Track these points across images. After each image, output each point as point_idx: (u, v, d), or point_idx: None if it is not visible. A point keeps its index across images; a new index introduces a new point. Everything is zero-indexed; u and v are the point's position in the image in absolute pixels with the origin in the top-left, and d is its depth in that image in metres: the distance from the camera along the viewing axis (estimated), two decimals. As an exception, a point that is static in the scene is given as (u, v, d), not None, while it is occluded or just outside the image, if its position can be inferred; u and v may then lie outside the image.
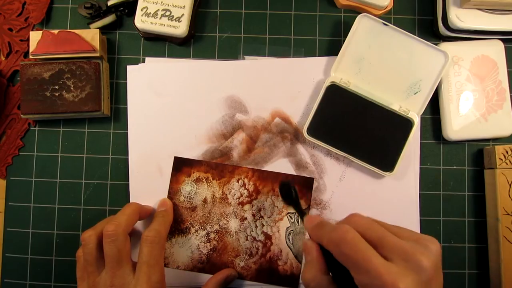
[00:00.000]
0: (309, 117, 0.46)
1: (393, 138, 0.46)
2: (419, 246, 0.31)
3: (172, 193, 0.47)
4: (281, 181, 0.45)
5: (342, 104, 0.47)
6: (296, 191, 0.43)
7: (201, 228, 0.47)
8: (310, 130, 0.46)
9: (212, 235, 0.47)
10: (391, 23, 0.47)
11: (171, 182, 0.47)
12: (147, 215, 0.46)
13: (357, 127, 0.46)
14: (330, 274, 0.35)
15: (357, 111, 0.46)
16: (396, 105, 0.46)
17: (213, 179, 0.48)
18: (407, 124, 0.46)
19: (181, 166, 0.48)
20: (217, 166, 0.48)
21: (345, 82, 0.47)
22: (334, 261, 0.33)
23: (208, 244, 0.47)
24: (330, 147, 0.46)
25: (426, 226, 0.48)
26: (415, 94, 0.47)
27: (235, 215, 0.47)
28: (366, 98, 0.47)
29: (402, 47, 0.46)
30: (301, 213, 0.42)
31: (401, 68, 0.47)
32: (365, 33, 0.47)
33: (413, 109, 0.47)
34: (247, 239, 0.47)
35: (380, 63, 0.47)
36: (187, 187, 0.47)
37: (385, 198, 0.47)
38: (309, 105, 0.48)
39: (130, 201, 0.47)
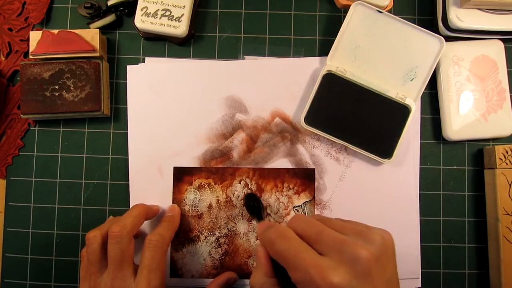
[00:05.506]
0: (306, 106, 0.46)
1: (391, 125, 0.46)
2: (358, 238, 0.30)
3: (176, 203, 0.47)
4: (247, 193, 0.47)
5: (339, 92, 0.47)
6: (260, 203, 0.46)
7: (210, 234, 0.47)
8: (308, 119, 0.46)
9: (222, 240, 0.47)
10: (391, 23, 0.47)
11: (173, 192, 0.47)
12: (154, 215, 0.46)
13: (355, 115, 0.46)
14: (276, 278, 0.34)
15: (354, 99, 0.46)
16: (392, 92, 0.46)
17: (215, 184, 0.48)
18: (404, 111, 0.46)
19: (181, 175, 0.48)
20: (217, 170, 0.48)
21: (341, 71, 0.47)
22: (279, 264, 0.33)
23: (219, 249, 0.47)
24: (328, 135, 0.46)
25: (426, 226, 0.48)
26: (411, 80, 0.47)
27: (242, 217, 0.47)
28: (363, 86, 0.47)
29: (397, 34, 0.46)
30: (260, 220, 0.44)
31: (396, 55, 0.47)
32: (359, 21, 0.47)
33: (410, 95, 0.47)
34: (257, 239, 0.47)
35: (376, 50, 0.47)
36: (190, 195, 0.47)
37: (385, 198, 0.47)
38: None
39: (130, 201, 0.48)
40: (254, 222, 0.47)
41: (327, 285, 0.28)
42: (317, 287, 0.28)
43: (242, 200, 0.47)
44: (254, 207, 0.45)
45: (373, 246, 0.30)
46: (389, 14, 0.46)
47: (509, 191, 0.45)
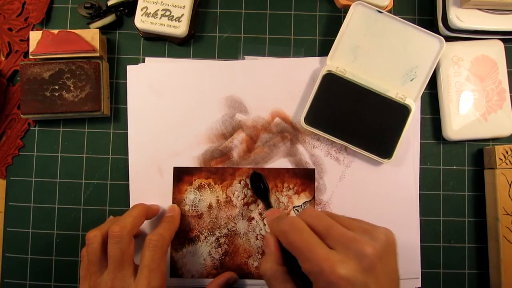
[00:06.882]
0: (306, 106, 0.46)
1: (391, 125, 0.46)
2: (364, 235, 0.33)
3: (176, 203, 0.47)
4: (252, 171, 0.47)
5: (339, 92, 0.47)
6: (266, 183, 0.45)
7: (210, 234, 0.47)
8: (308, 119, 0.46)
9: (222, 240, 0.47)
10: (391, 23, 0.47)
11: (173, 192, 0.47)
12: (154, 215, 0.46)
13: (354, 115, 0.46)
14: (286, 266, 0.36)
15: (354, 99, 0.47)
16: (392, 92, 0.46)
17: (215, 184, 0.48)
18: (404, 111, 0.46)
19: (181, 175, 0.48)
20: (217, 170, 0.48)
21: (341, 71, 0.47)
22: (288, 253, 0.34)
23: (219, 249, 0.47)
24: (328, 135, 0.46)
25: (426, 226, 0.48)
26: (411, 80, 0.47)
27: (242, 216, 0.47)
28: (363, 86, 0.47)
29: (397, 34, 0.46)
30: (268, 206, 0.44)
31: (396, 55, 0.47)
32: (359, 21, 0.47)
33: (410, 95, 0.47)
34: (257, 239, 0.47)
35: (376, 50, 0.47)
36: (190, 195, 0.47)
37: (385, 198, 0.47)
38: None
39: (131, 201, 0.48)
40: (254, 222, 0.47)
41: (336, 277, 0.30)
42: (327, 278, 0.31)
43: (248, 180, 0.47)
44: (260, 188, 0.45)
45: (378, 243, 0.32)
46: (389, 14, 0.46)
47: (509, 191, 0.45)
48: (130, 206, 0.47)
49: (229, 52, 0.50)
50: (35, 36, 0.46)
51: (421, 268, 0.47)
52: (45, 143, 0.49)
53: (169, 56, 0.50)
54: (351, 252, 0.31)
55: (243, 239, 0.47)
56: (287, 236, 0.34)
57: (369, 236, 0.33)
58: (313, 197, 0.47)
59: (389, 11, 0.49)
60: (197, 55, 0.50)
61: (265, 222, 0.47)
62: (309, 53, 0.50)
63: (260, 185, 0.45)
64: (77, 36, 0.47)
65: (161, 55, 0.50)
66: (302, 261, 0.33)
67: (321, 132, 0.46)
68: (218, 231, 0.47)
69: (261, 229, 0.47)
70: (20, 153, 0.49)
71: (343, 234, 0.33)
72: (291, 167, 0.48)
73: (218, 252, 0.47)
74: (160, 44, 0.50)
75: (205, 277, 0.47)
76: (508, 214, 0.45)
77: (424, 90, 0.47)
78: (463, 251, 0.48)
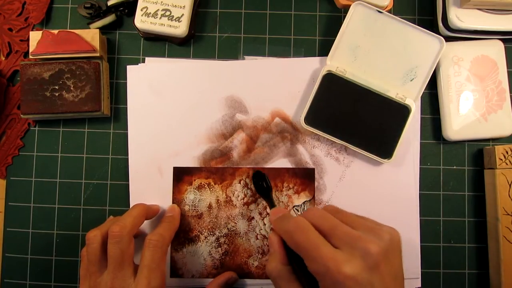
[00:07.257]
0: (306, 106, 0.46)
1: (391, 126, 0.46)
2: (369, 234, 0.33)
3: (176, 203, 0.47)
4: (254, 170, 0.47)
5: (339, 92, 0.47)
6: (268, 182, 0.46)
7: (210, 234, 0.47)
8: (308, 119, 0.46)
9: (222, 240, 0.47)
10: (391, 23, 0.47)
11: (173, 192, 0.47)
12: (154, 215, 0.46)
13: (355, 115, 0.46)
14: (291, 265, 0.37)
15: (354, 99, 0.47)
16: (392, 92, 0.46)
17: (215, 184, 0.48)
18: (404, 111, 0.46)
19: (181, 175, 0.48)
20: (217, 170, 0.48)
21: (341, 71, 0.47)
22: (293, 252, 0.35)
23: (220, 249, 0.47)
24: (328, 135, 0.46)
25: (426, 226, 0.48)
26: (411, 80, 0.47)
27: (242, 216, 0.47)
28: (363, 86, 0.47)
29: (397, 34, 0.46)
30: (272, 205, 0.44)
31: (396, 55, 0.47)
32: (359, 21, 0.47)
33: (410, 95, 0.47)
34: (257, 238, 0.47)
35: (376, 50, 0.47)
36: (190, 195, 0.47)
37: (385, 198, 0.47)
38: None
39: (131, 201, 0.48)
40: (254, 222, 0.47)
41: (342, 276, 0.31)
42: (333, 277, 0.31)
43: (250, 180, 0.47)
44: (263, 187, 0.46)
45: (383, 241, 0.33)
46: (389, 14, 0.46)
47: (509, 191, 0.45)
48: (130, 206, 0.47)
49: (229, 52, 0.50)
50: (35, 36, 0.46)
51: (421, 268, 0.47)
52: (45, 143, 0.49)
53: (169, 56, 0.50)
54: (356, 251, 0.32)
55: (243, 238, 0.47)
56: (292, 236, 0.34)
57: (374, 234, 0.33)
58: (313, 197, 0.47)
59: (389, 11, 0.49)
60: (197, 55, 0.50)
61: (265, 222, 0.47)
62: (309, 53, 0.50)
63: (263, 184, 0.46)
64: (77, 36, 0.47)
65: (161, 55, 0.50)
66: (308, 261, 0.33)
67: (321, 132, 0.46)
68: (218, 231, 0.47)
69: (261, 229, 0.47)
70: (20, 153, 0.49)
71: (348, 233, 0.33)
72: (291, 167, 0.48)
73: (218, 252, 0.47)
74: (160, 44, 0.50)
75: (205, 277, 0.47)
76: (508, 214, 0.45)
77: (424, 90, 0.47)
78: (463, 251, 0.48)
